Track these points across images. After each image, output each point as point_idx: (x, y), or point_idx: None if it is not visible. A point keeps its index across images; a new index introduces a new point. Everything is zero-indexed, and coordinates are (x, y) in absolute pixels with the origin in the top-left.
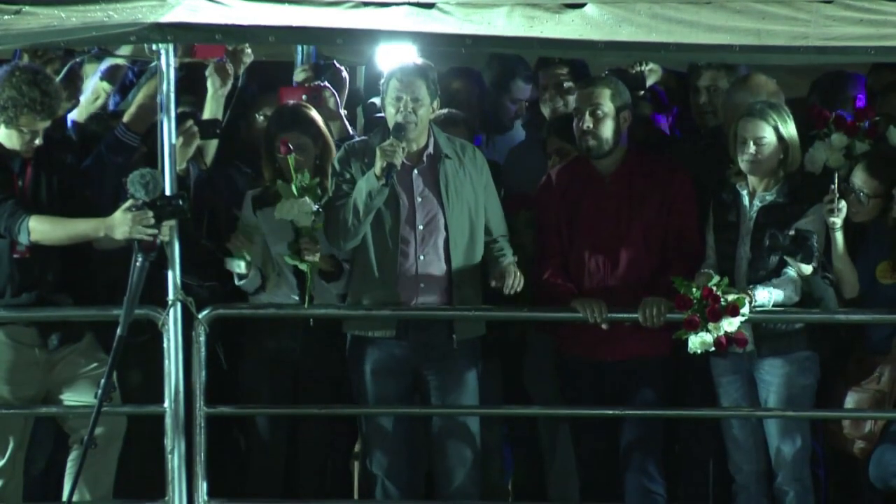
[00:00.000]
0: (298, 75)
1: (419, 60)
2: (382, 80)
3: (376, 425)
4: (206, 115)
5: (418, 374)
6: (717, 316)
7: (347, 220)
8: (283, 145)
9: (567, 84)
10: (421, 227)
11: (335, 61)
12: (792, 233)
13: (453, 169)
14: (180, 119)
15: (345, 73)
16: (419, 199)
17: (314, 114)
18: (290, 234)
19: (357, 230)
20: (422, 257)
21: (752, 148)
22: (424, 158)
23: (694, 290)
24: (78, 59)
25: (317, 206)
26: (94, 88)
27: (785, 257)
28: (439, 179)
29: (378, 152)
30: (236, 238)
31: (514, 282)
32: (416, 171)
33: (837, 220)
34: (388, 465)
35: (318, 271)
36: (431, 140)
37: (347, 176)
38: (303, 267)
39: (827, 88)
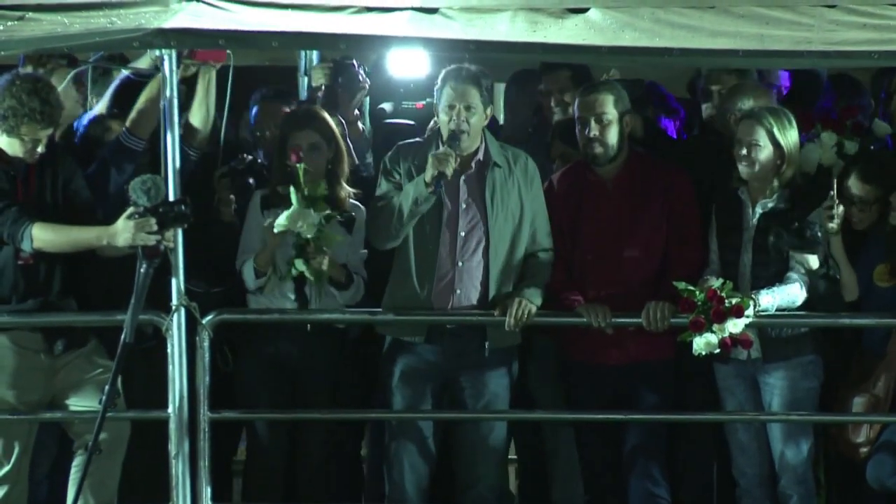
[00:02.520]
0: (316, 77)
1: (473, 66)
2: (437, 86)
3: (398, 429)
4: (195, 118)
5: (449, 380)
6: (721, 317)
7: (390, 222)
8: (294, 153)
9: (571, 89)
10: (462, 234)
11: (354, 61)
12: (795, 226)
13: (502, 177)
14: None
15: (362, 76)
16: (463, 206)
17: (327, 116)
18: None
19: (398, 232)
20: (460, 263)
21: (745, 150)
22: (473, 165)
23: (697, 293)
24: (82, 67)
25: (321, 218)
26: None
27: (790, 250)
28: (485, 187)
29: (430, 160)
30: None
31: (519, 312)
32: (463, 178)
33: (835, 225)
34: (406, 468)
35: (329, 280)
36: (482, 147)
37: (396, 176)
38: (308, 273)
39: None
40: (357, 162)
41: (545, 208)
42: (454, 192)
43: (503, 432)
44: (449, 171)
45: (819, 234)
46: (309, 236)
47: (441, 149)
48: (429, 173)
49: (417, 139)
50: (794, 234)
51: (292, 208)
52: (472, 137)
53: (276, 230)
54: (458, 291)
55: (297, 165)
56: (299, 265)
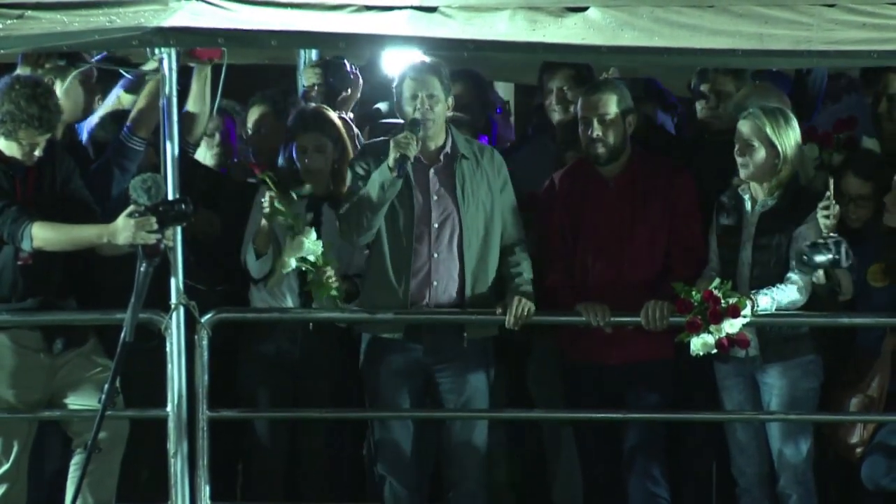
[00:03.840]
0: (308, 77)
1: (428, 58)
2: (396, 83)
3: (385, 427)
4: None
5: (430, 376)
6: (718, 318)
7: (361, 214)
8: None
9: (572, 88)
10: (436, 226)
11: (345, 60)
12: (821, 240)
13: (470, 169)
14: None
15: (354, 75)
16: (434, 198)
17: (334, 117)
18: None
19: (370, 223)
20: (435, 255)
21: (741, 151)
22: (441, 157)
23: (694, 293)
24: (83, 67)
25: (312, 230)
26: (114, 101)
27: (831, 267)
28: (455, 179)
29: (392, 144)
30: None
31: (520, 311)
32: (432, 170)
33: (831, 224)
34: (396, 467)
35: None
36: (449, 140)
37: (362, 172)
38: (334, 294)
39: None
40: None
41: (514, 200)
42: (424, 185)
43: (486, 428)
44: (411, 153)
45: (839, 257)
46: (319, 252)
47: (401, 133)
48: (391, 157)
49: (380, 138)
50: (823, 249)
51: (287, 243)
52: (437, 127)
53: (286, 270)
54: (435, 284)
55: (263, 175)
56: (323, 291)
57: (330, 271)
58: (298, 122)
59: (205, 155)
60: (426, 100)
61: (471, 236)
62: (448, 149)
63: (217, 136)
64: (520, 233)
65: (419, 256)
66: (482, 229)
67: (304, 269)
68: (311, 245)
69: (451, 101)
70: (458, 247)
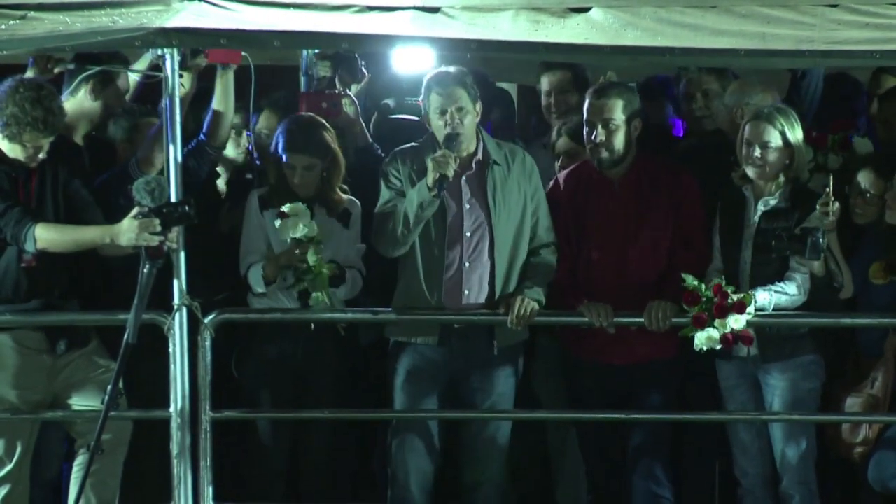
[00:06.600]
0: (320, 69)
1: (453, 68)
2: (422, 95)
3: (402, 430)
4: (215, 118)
5: (456, 380)
6: (724, 312)
7: (396, 230)
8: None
9: (570, 90)
10: (468, 234)
11: (356, 55)
12: (798, 232)
13: (502, 175)
14: None
15: (363, 70)
16: (467, 206)
17: (324, 130)
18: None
19: (406, 239)
20: (467, 264)
21: (757, 152)
22: (473, 165)
23: (703, 287)
24: (89, 71)
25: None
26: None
27: (792, 256)
28: (487, 186)
29: (430, 164)
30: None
31: (521, 310)
32: (464, 178)
33: (830, 222)
34: (414, 468)
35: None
36: (481, 146)
37: (397, 183)
38: (326, 270)
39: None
40: (371, 140)
41: (546, 203)
42: (457, 193)
43: (508, 431)
44: (450, 173)
45: (823, 242)
46: (314, 234)
47: (439, 152)
48: (430, 177)
49: (413, 143)
50: (796, 241)
51: (283, 225)
52: (468, 138)
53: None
54: (467, 292)
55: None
56: (320, 294)
57: (320, 259)
58: (289, 141)
59: (233, 153)
60: (455, 113)
61: (501, 243)
62: (479, 155)
63: (244, 133)
64: (549, 236)
65: (451, 265)
66: (512, 235)
67: (299, 267)
68: (306, 226)
69: (479, 107)
70: (489, 254)
